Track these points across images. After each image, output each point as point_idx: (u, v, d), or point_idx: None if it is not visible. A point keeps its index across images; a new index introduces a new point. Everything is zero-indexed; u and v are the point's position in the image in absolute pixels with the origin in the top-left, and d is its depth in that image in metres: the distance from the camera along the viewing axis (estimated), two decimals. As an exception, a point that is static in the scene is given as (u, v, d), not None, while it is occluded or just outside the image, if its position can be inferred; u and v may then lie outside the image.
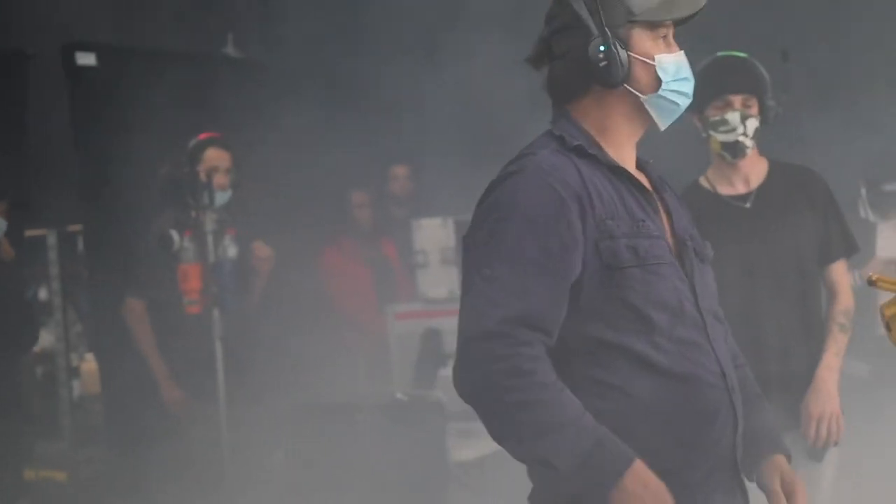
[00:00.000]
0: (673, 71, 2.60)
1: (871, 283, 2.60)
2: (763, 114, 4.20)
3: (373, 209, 7.39)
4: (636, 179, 2.61)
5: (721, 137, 4.17)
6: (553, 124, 2.62)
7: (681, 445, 2.48)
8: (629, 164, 2.65)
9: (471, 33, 6.33)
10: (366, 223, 7.37)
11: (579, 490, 2.41)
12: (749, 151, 4.18)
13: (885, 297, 2.60)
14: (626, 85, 2.57)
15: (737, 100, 4.15)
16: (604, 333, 2.48)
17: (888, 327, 2.56)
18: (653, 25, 2.59)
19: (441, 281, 6.24)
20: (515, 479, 2.65)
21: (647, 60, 2.57)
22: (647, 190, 2.62)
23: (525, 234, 2.45)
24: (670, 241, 2.60)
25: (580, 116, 2.61)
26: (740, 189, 4.25)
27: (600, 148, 2.59)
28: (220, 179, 5.79)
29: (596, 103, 2.60)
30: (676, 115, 2.64)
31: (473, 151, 5.76)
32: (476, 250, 2.50)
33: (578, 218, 2.47)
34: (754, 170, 4.25)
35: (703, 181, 4.29)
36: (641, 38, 2.58)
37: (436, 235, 6.32)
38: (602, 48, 2.53)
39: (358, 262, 7.25)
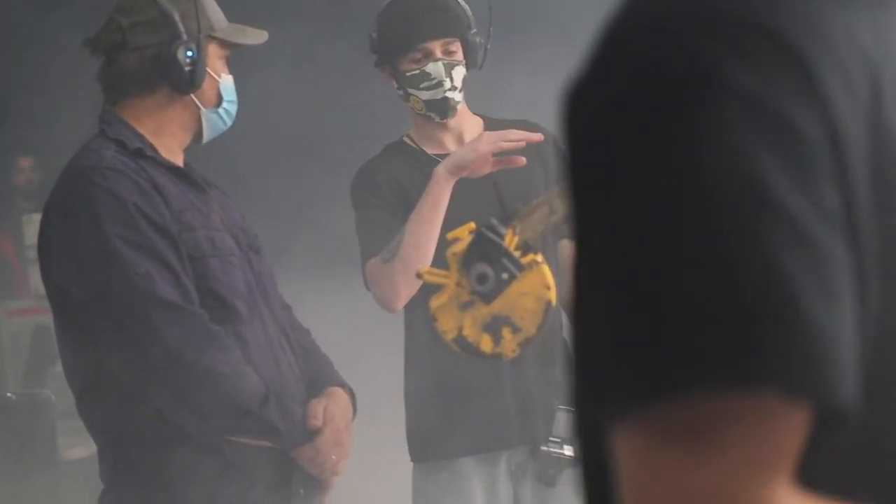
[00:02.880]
0: (230, 91, 2.73)
1: (419, 276, 2.72)
2: (469, 55, 3.34)
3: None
4: (193, 179, 2.68)
5: (425, 95, 3.28)
6: (106, 126, 2.65)
7: None
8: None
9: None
10: (-24, 218, 7.13)
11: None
12: (460, 106, 3.33)
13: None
14: (192, 94, 2.65)
15: (437, 46, 3.26)
16: None
17: (434, 318, 2.68)
18: (225, 45, 2.72)
19: (53, 276, 6.07)
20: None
21: (215, 76, 2.69)
22: (203, 189, 2.69)
23: (144, 229, 2.52)
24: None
25: (137, 118, 2.66)
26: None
27: (156, 150, 2.65)
28: None
29: (157, 106, 2.66)
30: (219, 133, 2.77)
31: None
32: (95, 254, 2.52)
33: (165, 211, 2.55)
34: (468, 126, 3.38)
35: (407, 140, 3.42)
36: (214, 54, 2.70)
37: (47, 230, 6.15)
38: (190, 53, 2.61)
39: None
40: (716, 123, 0.76)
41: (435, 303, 2.67)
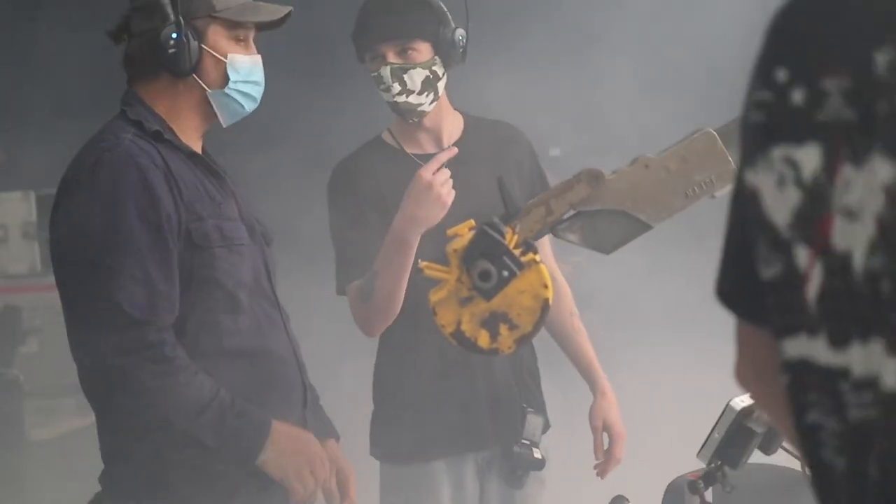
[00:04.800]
0: (245, 72, 2.69)
1: (419, 270, 2.77)
2: (443, 52, 3.25)
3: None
4: (211, 165, 2.70)
5: (384, 97, 3.24)
6: (127, 107, 2.66)
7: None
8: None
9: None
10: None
11: (225, 464, 2.56)
12: (429, 108, 3.25)
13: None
14: (195, 76, 2.64)
15: (388, 50, 3.20)
16: (192, 311, 2.58)
17: (434, 312, 2.73)
18: (232, 25, 2.67)
19: (22, 256, 6.09)
20: (96, 460, 2.70)
21: (220, 57, 2.65)
22: (221, 176, 2.72)
23: (131, 221, 2.51)
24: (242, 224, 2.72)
25: (152, 101, 2.67)
26: (428, 149, 3.30)
27: (174, 134, 2.66)
28: None
29: (166, 89, 2.67)
30: (241, 116, 2.74)
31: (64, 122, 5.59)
32: (85, 240, 2.53)
33: (171, 200, 2.56)
34: (446, 126, 3.34)
35: (386, 136, 3.37)
36: (218, 35, 2.66)
37: (16, 210, 6.17)
38: (173, 36, 2.59)
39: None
40: None
41: (435, 297, 2.71)
